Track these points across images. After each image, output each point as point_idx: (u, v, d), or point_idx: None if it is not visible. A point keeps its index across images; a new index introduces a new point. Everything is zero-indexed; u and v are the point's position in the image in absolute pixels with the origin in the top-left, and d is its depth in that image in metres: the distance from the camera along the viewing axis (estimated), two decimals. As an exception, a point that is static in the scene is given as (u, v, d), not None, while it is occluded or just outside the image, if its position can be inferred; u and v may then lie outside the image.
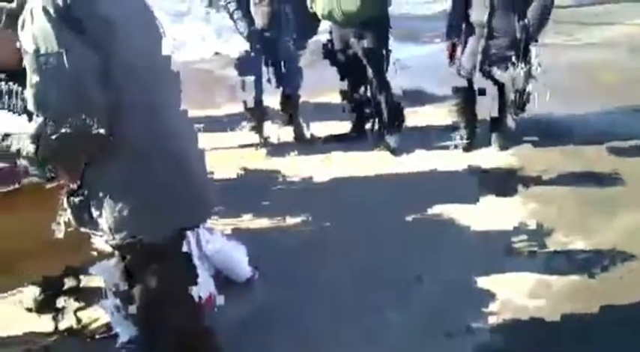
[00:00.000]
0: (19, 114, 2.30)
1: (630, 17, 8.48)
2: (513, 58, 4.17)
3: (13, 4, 2.04)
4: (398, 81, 4.72)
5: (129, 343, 2.72)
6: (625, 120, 5.00)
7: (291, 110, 5.08)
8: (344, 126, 5.09)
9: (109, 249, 2.20)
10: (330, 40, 4.72)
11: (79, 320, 3.02)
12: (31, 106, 1.92)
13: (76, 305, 3.13)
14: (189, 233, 2.54)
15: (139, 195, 2.07)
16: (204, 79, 6.94)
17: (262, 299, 3.11)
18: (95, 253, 2.44)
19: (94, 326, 2.96)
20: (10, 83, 2.34)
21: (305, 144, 5.01)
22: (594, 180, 4.05)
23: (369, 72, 4.60)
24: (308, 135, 5.11)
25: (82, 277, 3.27)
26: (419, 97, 5.66)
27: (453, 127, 4.85)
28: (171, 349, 2.36)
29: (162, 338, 2.33)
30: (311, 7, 4.50)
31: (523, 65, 4.15)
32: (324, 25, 4.84)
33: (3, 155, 2.31)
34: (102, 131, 1.92)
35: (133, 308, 2.32)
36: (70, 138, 1.92)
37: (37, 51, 1.86)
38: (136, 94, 2.02)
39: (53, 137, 1.92)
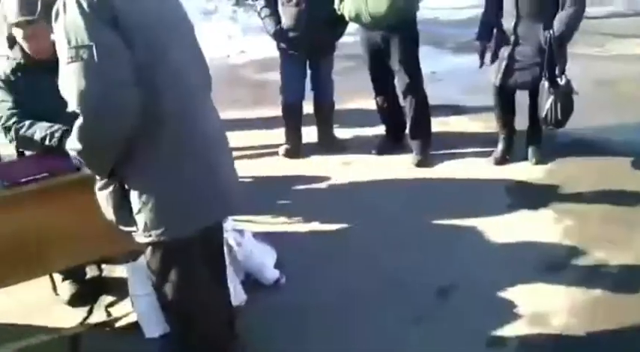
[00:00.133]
0: None
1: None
2: (538, 68, 4.14)
3: None
4: (428, 91, 4.68)
5: (157, 339, 2.73)
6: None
7: (322, 116, 5.06)
8: (376, 132, 5.06)
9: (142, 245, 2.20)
10: None
11: (108, 314, 3.06)
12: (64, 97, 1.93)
13: (109, 299, 3.18)
14: (225, 235, 2.56)
15: (171, 192, 2.09)
16: (230, 76, 6.99)
17: (288, 302, 3.11)
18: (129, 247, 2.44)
19: (123, 320, 2.99)
20: None
21: (331, 149, 4.99)
22: (630, 197, 3.97)
23: (396, 77, 4.58)
24: (336, 142, 5.09)
25: (104, 266, 3.34)
26: (447, 106, 5.59)
27: (485, 138, 4.81)
28: (199, 350, 2.38)
29: (191, 338, 2.34)
30: (339, 9, 4.49)
31: (547, 75, 4.10)
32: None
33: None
34: (130, 126, 1.93)
35: (162, 307, 2.34)
36: (99, 134, 1.94)
37: (68, 42, 1.86)
38: (170, 93, 2.03)
39: (83, 132, 1.94)
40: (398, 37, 4.38)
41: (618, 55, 6.95)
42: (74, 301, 3.15)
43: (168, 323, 2.43)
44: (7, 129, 2.81)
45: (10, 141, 2.86)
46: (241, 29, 9.41)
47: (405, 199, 4.14)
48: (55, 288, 3.17)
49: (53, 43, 1.95)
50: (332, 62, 4.96)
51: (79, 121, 1.92)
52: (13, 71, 2.88)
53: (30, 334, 2.83)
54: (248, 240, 3.14)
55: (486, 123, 5.19)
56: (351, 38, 5.07)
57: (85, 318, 3.07)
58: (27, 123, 2.77)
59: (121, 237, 2.20)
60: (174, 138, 2.05)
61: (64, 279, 3.19)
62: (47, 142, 2.71)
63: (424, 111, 4.64)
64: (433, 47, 7.36)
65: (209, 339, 2.34)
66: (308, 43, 4.64)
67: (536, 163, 4.48)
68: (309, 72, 4.91)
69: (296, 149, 4.99)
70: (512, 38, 4.23)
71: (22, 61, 2.86)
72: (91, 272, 3.32)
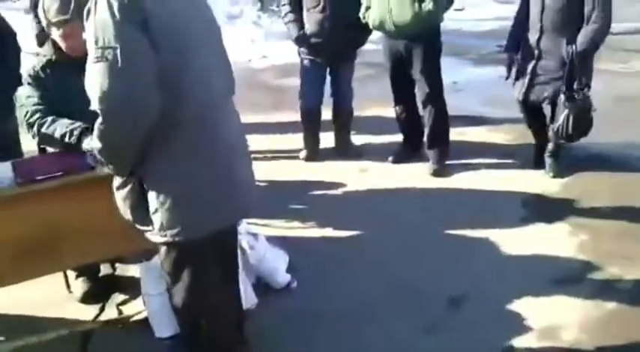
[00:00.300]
0: None
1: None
2: (560, 83, 4.12)
3: None
4: (448, 101, 4.68)
5: (167, 339, 2.75)
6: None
7: (340, 122, 5.08)
8: (394, 140, 5.05)
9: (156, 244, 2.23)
10: None
11: (120, 312, 3.09)
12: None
13: (121, 297, 3.21)
14: (239, 237, 2.58)
15: (188, 193, 2.11)
16: (250, 81, 7.03)
17: (299, 307, 3.12)
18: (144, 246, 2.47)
19: (134, 318, 3.02)
20: None
21: (348, 155, 5.00)
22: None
23: (417, 86, 4.58)
24: (353, 148, 5.10)
25: (117, 265, 3.38)
26: (466, 117, 5.57)
27: (502, 150, 4.79)
28: (207, 351, 2.40)
29: (200, 339, 2.36)
30: (364, 18, 4.51)
31: (565, 88, 4.08)
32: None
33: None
34: (148, 128, 1.95)
35: (174, 307, 2.36)
36: (117, 134, 1.96)
37: (96, 42, 1.89)
38: (193, 98, 2.05)
39: (102, 132, 1.97)
40: (421, 46, 4.38)
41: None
42: (87, 298, 3.18)
43: (178, 324, 2.46)
44: (30, 126, 2.84)
45: (33, 137, 2.90)
46: (264, 34, 9.48)
47: (420, 208, 4.13)
48: (68, 285, 3.21)
49: (85, 42, 1.98)
50: (352, 69, 4.98)
51: (99, 120, 1.95)
52: (43, 68, 2.92)
53: (42, 329, 2.87)
54: (261, 243, 3.15)
55: (505, 135, 5.19)
56: (372, 46, 5.08)
57: (97, 315, 3.11)
58: (49, 119, 2.80)
59: (136, 235, 2.23)
60: (194, 141, 2.08)
61: (77, 276, 3.22)
62: (66, 139, 2.74)
63: (443, 121, 4.63)
64: (455, 58, 7.35)
65: (217, 341, 2.36)
66: (330, 50, 4.66)
67: (554, 176, 4.45)
68: (328, 78, 4.94)
69: (313, 154, 5.01)
70: (535, 52, 4.22)
71: (53, 57, 2.91)
72: (104, 270, 3.36)
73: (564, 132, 4.18)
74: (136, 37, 1.89)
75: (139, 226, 2.19)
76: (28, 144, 3.32)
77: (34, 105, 2.86)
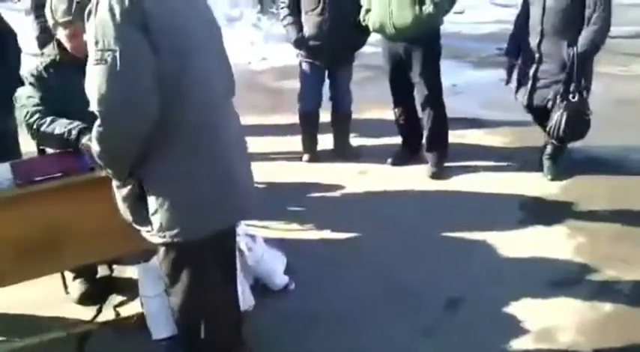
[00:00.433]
0: None
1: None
2: (560, 86, 4.13)
3: None
4: (448, 103, 4.68)
5: (164, 340, 2.75)
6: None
7: (339, 125, 5.09)
8: (393, 143, 5.06)
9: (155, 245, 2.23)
10: None
11: (117, 314, 3.09)
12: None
13: (119, 299, 3.21)
14: (237, 239, 2.58)
15: (187, 195, 2.11)
16: (250, 82, 7.04)
17: (296, 308, 3.12)
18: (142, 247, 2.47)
19: (131, 319, 3.01)
20: None
21: (347, 157, 5.00)
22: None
23: (416, 89, 4.59)
24: (352, 150, 5.11)
25: (114, 267, 3.38)
26: (465, 119, 5.58)
27: (501, 153, 4.79)
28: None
29: (197, 340, 2.36)
30: (364, 20, 4.52)
31: (562, 89, 4.11)
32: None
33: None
34: (146, 131, 1.95)
35: (172, 308, 2.36)
36: (114, 136, 1.97)
37: (96, 43, 1.89)
38: (193, 100, 2.06)
39: (100, 134, 1.97)
40: (420, 49, 4.39)
41: (641, 75, 6.93)
42: (84, 300, 3.18)
43: (176, 324, 2.45)
44: (29, 126, 2.84)
45: (32, 138, 2.90)
46: (263, 37, 9.50)
47: (419, 210, 4.13)
48: (65, 286, 3.21)
49: (86, 43, 1.99)
50: (351, 72, 4.98)
51: (98, 122, 1.95)
52: (46, 67, 2.92)
53: (39, 330, 2.86)
54: (259, 245, 3.15)
55: (503, 138, 5.21)
56: (371, 49, 5.09)
57: (94, 317, 3.10)
58: (48, 120, 2.80)
59: (135, 236, 2.23)
60: (194, 142, 2.08)
61: (75, 278, 3.22)
62: (65, 137, 2.74)
63: (442, 124, 4.64)
64: (454, 60, 7.36)
65: (215, 342, 2.36)
66: (328, 52, 4.67)
67: (552, 179, 4.46)
68: (327, 80, 4.95)
69: (312, 156, 5.02)
70: (536, 56, 4.24)
71: (56, 57, 2.91)
72: (101, 271, 3.36)
73: (556, 132, 4.20)
74: (136, 39, 1.89)
75: (138, 227, 2.19)
76: (28, 145, 3.32)
77: (34, 105, 2.86)
